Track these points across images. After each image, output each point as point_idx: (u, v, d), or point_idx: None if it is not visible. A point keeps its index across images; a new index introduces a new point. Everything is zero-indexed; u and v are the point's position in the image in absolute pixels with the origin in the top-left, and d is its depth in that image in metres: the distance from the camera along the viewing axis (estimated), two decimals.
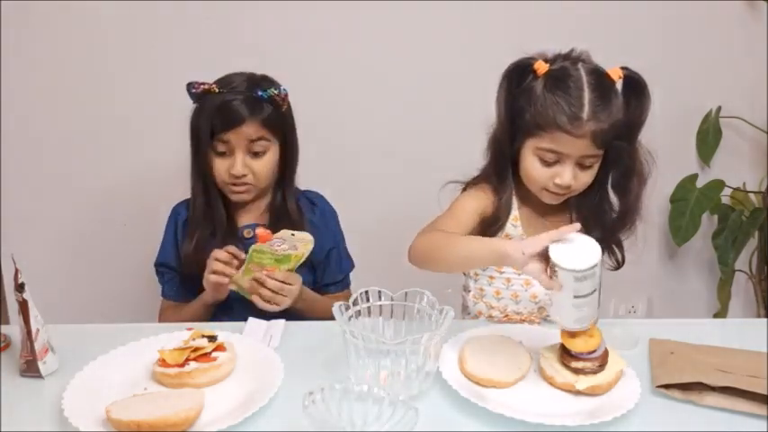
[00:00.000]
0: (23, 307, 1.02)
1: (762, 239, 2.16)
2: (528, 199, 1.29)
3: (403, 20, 1.95)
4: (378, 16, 1.93)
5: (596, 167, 1.20)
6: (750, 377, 1.02)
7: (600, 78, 1.16)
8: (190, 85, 1.32)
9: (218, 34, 1.90)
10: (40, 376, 1.04)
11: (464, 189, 1.35)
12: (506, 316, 1.32)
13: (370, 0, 1.91)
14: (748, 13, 2.06)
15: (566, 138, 1.13)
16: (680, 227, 2.12)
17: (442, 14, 1.95)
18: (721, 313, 2.21)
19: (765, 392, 0.98)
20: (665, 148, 2.12)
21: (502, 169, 1.26)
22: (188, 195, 1.44)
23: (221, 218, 1.38)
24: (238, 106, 1.29)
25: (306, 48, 1.92)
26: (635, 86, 1.18)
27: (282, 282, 1.28)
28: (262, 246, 1.25)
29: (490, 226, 1.28)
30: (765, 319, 1.34)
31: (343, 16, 1.92)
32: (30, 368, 1.04)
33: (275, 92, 1.31)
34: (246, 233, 1.40)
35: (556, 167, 1.18)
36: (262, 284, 1.27)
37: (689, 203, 2.11)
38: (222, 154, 1.33)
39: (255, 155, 1.33)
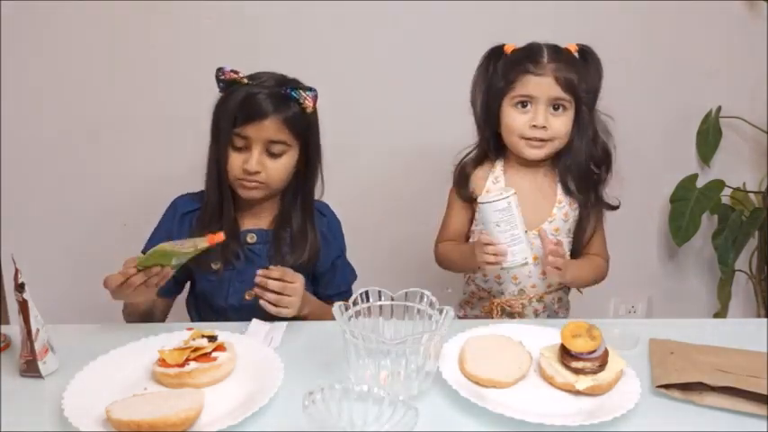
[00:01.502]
0: (23, 307, 1.02)
1: (762, 239, 2.16)
2: (514, 171, 1.42)
3: (404, 19, 1.95)
4: (378, 16, 1.93)
5: (567, 117, 1.34)
6: (750, 377, 1.02)
7: (557, 46, 1.36)
8: (219, 71, 1.29)
9: (218, 34, 1.90)
10: (40, 376, 1.04)
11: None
12: (491, 301, 1.45)
13: (372, 0, 1.91)
14: (748, 13, 2.06)
15: (533, 79, 1.32)
16: (680, 227, 2.12)
17: (443, 14, 1.95)
18: (721, 313, 2.21)
19: (765, 392, 0.99)
20: (665, 148, 2.16)
21: (487, 141, 1.42)
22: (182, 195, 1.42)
23: (230, 218, 1.34)
24: (263, 100, 1.26)
25: (306, 48, 1.92)
26: (588, 55, 1.37)
27: (282, 279, 1.23)
28: (164, 247, 1.12)
29: (470, 166, 1.44)
30: (765, 319, 1.34)
31: (343, 16, 1.92)
32: (30, 368, 1.04)
33: (304, 93, 1.28)
34: (250, 238, 1.37)
35: (530, 113, 1.33)
36: (264, 288, 1.22)
37: (689, 203, 2.11)
38: (239, 149, 1.29)
39: (272, 155, 1.29)
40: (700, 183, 2.13)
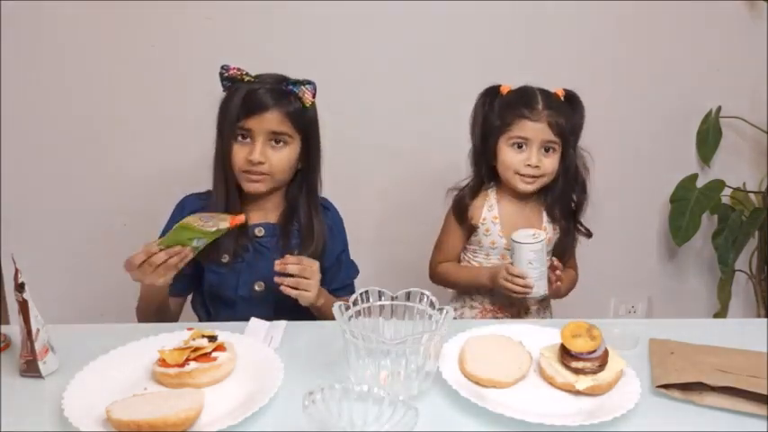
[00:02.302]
0: (23, 307, 1.02)
1: (762, 239, 2.16)
2: (506, 200, 1.56)
3: (405, 20, 1.95)
4: (379, 16, 1.94)
5: (556, 157, 1.50)
6: (750, 377, 1.02)
7: (548, 92, 1.51)
8: (223, 68, 1.33)
9: (218, 34, 1.90)
10: (40, 376, 1.04)
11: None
12: (484, 308, 1.57)
13: (373, 0, 1.91)
14: (748, 13, 2.06)
15: (528, 124, 1.46)
16: (680, 227, 2.12)
17: (444, 15, 1.95)
18: (721, 313, 2.21)
19: (765, 392, 0.98)
20: (665, 148, 2.16)
21: (482, 173, 1.57)
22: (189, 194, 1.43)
23: (237, 208, 1.36)
24: (263, 95, 1.31)
25: (306, 47, 1.93)
26: (573, 99, 1.51)
27: (299, 264, 1.26)
28: (189, 221, 1.18)
29: (468, 197, 1.56)
30: (765, 319, 1.34)
31: (343, 16, 1.92)
32: (30, 368, 1.04)
33: (303, 87, 1.32)
34: (258, 231, 1.39)
35: (525, 153, 1.48)
36: (284, 275, 1.25)
37: (689, 203, 2.11)
38: (243, 142, 1.33)
39: (275, 146, 1.33)
40: (700, 183, 2.13)
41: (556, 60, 1.98)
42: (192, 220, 1.18)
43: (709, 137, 2.12)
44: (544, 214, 1.57)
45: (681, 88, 2.10)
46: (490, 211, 1.55)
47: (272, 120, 1.31)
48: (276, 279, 1.26)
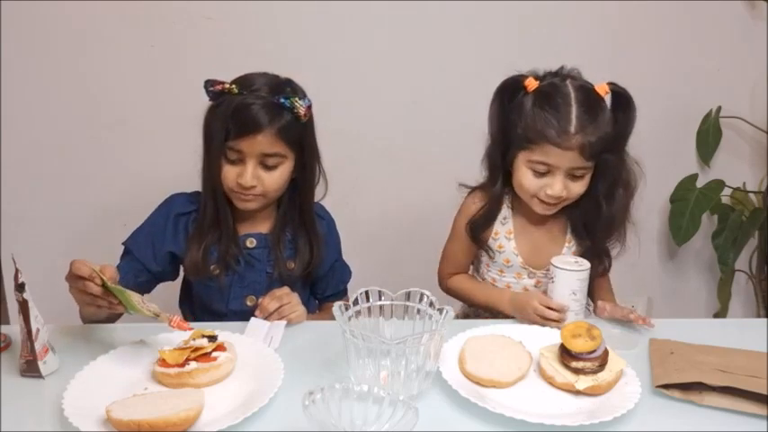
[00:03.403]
0: (23, 307, 1.02)
1: (762, 239, 2.16)
2: (522, 211, 1.36)
3: (404, 20, 1.95)
4: (379, 16, 1.93)
5: (587, 178, 1.25)
6: (750, 377, 1.02)
7: (587, 93, 1.22)
8: (207, 83, 1.24)
9: (217, 35, 1.90)
10: (40, 376, 1.04)
11: (468, 194, 1.43)
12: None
13: (372, 0, 1.91)
14: (748, 13, 2.06)
15: (555, 150, 1.20)
16: (680, 227, 2.12)
17: (444, 15, 1.95)
18: (721, 313, 2.21)
19: (765, 392, 0.98)
20: (665, 148, 2.16)
21: (496, 181, 1.34)
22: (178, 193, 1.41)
23: (229, 225, 1.32)
24: (257, 112, 1.21)
25: (305, 48, 1.92)
26: (621, 100, 1.25)
27: (273, 299, 1.23)
28: (132, 298, 1.06)
29: (481, 227, 1.37)
30: (765, 319, 1.34)
31: (343, 16, 1.92)
32: (30, 368, 1.04)
33: (298, 102, 1.23)
34: (249, 242, 1.35)
35: (547, 178, 1.24)
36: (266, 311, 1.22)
37: (689, 203, 2.11)
38: (233, 161, 1.26)
39: (267, 167, 1.26)
40: (700, 183, 2.13)
41: (555, 60, 1.97)
42: (136, 299, 1.06)
43: (709, 137, 2.12)
44: (569, 228, 1.35)
45: (681, 88, 2.10)
46: (504, 224, 1.36)
47: (263, 142, 1.22)
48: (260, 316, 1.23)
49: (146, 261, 1.34)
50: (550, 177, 1.24)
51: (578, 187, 1.25)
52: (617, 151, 1.26)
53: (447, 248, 1.46)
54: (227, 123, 1.22)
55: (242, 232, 1.36)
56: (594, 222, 1.32)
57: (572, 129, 1.19)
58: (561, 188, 1.23)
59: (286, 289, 1.27)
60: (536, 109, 1.23)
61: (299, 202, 1.36)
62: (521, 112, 1.25)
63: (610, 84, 1.25)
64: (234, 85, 1.23)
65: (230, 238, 1.32)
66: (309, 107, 1.27)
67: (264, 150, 1.24)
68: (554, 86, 1.24)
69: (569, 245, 1.38)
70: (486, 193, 1.37)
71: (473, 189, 1.42)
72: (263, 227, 1.37)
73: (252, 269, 1.35)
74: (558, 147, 1.19)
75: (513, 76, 1.28)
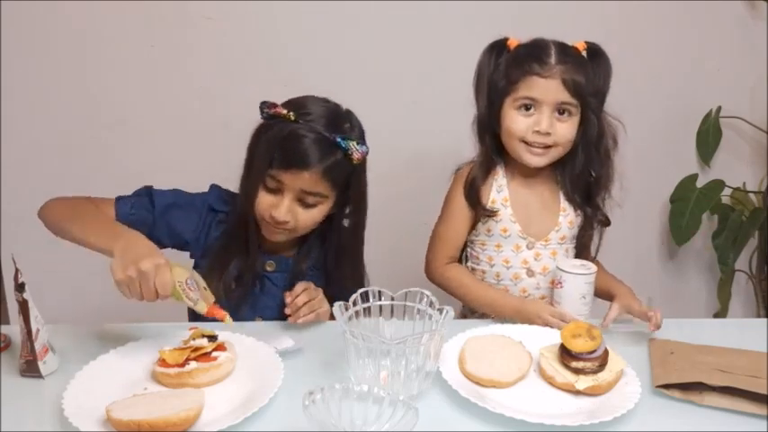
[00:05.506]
0: (23, 307, 1.02)
1: (762, 239, 2.16)
2: (517, 180, 1.36)
3: (405, 20, 1.95)
4: (379, 16, 1.93)
5: (573, 123, 1.27)
6: (750, 377, 1.02)
7: (565, 44, 1.28)
8: (263, 105, 1.19)
9: (217, 35, 1.90)
10: (40, 376, 1.04)
11: (457, 170, 1.42)
12: None
13: (372, 0, 1.91)
14: (748, 13, 2.06)
15: (538, 81, 1.24)
16: (680, 227, 2.12)
17: (444, 15, 1.95)
18: (721, 313, 2.21)
19: (765, 392, 0.99)
20: (665, 148, 2.16)
21: (485, 139, 1.35)
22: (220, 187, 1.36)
23: (254, 248, 1.27)
24: (308, 146, 1.15)
25: (305, 48, 1.93)
26: (597, 55, 1.29)
27: (303, 295, 1.21)
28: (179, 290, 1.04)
29: (479, 182, 1.35)
30: (765, 319, 1.34)
31: (343, 16, 1.92)
32: (30, 368, 1.04)
33: (354, 146, 1.18)
34: (269, 266, 1.31)
35: (534, 117, 1.26)
36: (296, 309, 1.20)
37: (689, 203, 2.11)
38: (271, 190, 1.20)
39: (305, 204, 1.20)
40: (700, 183, 2.13)
41: None
42: (180, 279, 1.04)
43: (709, 137, 2.12)
44: (561, 196, 1.36)
45: (681, 88, 2.10)
46: (500, 192, 1.34)
47: (307, 179, 1.16)
48: (290, 320, 1.20)
49: (156, 225, 1.27)
50: (538, 114, 1.25)
51: (565, 128, 1.26)
52: (598, 106, 1.29)
53: (439, 231, 1.39)
54: (273, 150, 1.17)
55: (263, 249, 1.31)
56: (584, 181, 1.35)
57: (552, 60, 1.24)
58: (548, 124, 1.24)
59: (311, 284, 1.24)
60: (517, 54, 1.28)
61: (345, 244, 1.31)
62: (505, 64, 1.29)
63: (585, 42, 1.30)
64: (291, 113, 1.17)
65: (253, 260, 1.28)
66: (365, 155, 1.22)
67: (306, 188, 1.18)
68: (534, 40, 1.31)
69: (564, 213, 1.37)
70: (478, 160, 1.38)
71: (462, 165, 1.41)
72: (286, 249, 1.33)
73: (266, 294, 1.31)
74: (540, 76, 1.23)
75: (497, 39, 1.32)
